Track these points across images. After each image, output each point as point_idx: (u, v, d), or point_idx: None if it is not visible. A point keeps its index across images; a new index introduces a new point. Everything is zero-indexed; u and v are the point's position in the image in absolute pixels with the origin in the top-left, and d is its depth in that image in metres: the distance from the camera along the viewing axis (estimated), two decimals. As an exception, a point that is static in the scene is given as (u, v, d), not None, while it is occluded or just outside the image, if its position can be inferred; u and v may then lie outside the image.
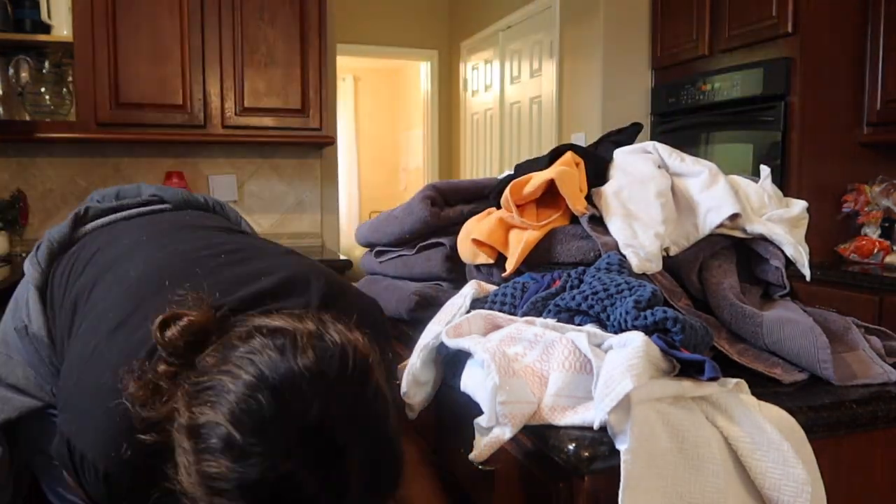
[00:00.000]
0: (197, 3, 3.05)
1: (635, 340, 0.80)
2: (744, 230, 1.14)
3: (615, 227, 1.13)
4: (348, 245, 3.98)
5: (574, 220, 1.19)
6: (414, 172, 6.98)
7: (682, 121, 3.32)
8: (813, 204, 1.30)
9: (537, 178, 1.19)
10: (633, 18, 3.54)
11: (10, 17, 2.86)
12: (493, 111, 4.96)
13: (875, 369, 0.97)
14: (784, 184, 2.76)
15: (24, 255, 2.96)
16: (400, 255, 1.47)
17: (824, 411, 0.87)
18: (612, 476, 0.72)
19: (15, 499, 1.20)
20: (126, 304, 0.90)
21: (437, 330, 1.02)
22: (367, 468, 0.72)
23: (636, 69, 3.56)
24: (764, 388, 0.91)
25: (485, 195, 1.40)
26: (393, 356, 1.00)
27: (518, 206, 1.20)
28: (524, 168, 1.33)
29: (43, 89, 3.06)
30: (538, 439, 0.81)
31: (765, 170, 1.27)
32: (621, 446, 0.73)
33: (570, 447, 0.76)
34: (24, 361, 1.09)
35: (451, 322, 1.01)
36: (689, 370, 0.81)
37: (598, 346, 0.86)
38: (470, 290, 1.12)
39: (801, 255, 1.12)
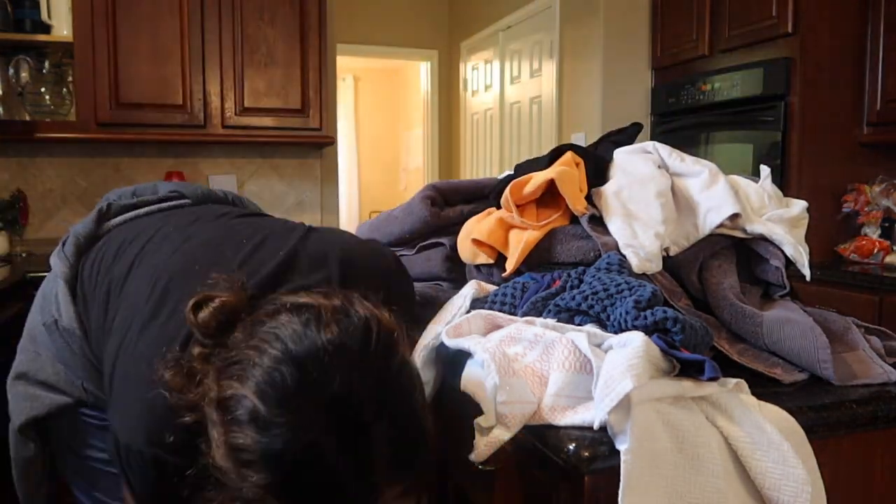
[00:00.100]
0: (197, 4, 3.05)
1: (635, 340, 0.80)
2: (744, 230, 1.14)
3: (615, 227, 1.13)
4: (348, 245, 3.97)
5: (574, 220, 1.19)
6: (414, 172, 6.98)
7: (682, 121, 3.32)
8: (813, 204, 1.30)
9: (537, 178, 1.19)
10: (633, 18, 3.54)
11: (10, 17, 2.86)
12: (493, 111, 4.96)
13: (875, 369, 0.97)
14: (784, 184, 2.76)
15: (24, 255, 2.96)
16: (400, 255, 1.47)
17: (824, 411, 0.86)
18: (612, 476, 0.72)
19: (49, 501, 1.20)
20: (157, 296, 0.92)
21: (437, 330, 1.02)
22: (393, 443, 0.72)
23: (636, 69, 3.56)
24: (764, 388, 0.91)
25: (485, 195, 1.40)
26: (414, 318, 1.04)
27: (518, 206, 1.20)
28: (524, 168, 1.33)
29: (43, 89, 3.06)
30: (538, 439, 0.81)
31: (765, 170, 1.27)
32: (621, 446, 0.72)
33: (570, 447, 0.76)
34: (53, 357, 1.09)
35: (451, 322, 1.01)
36: (689, 370, 0.81)
37: (598, 346, 0.86)
38: (470, 290, 1.12)
39: (801, 255, 1.12)
